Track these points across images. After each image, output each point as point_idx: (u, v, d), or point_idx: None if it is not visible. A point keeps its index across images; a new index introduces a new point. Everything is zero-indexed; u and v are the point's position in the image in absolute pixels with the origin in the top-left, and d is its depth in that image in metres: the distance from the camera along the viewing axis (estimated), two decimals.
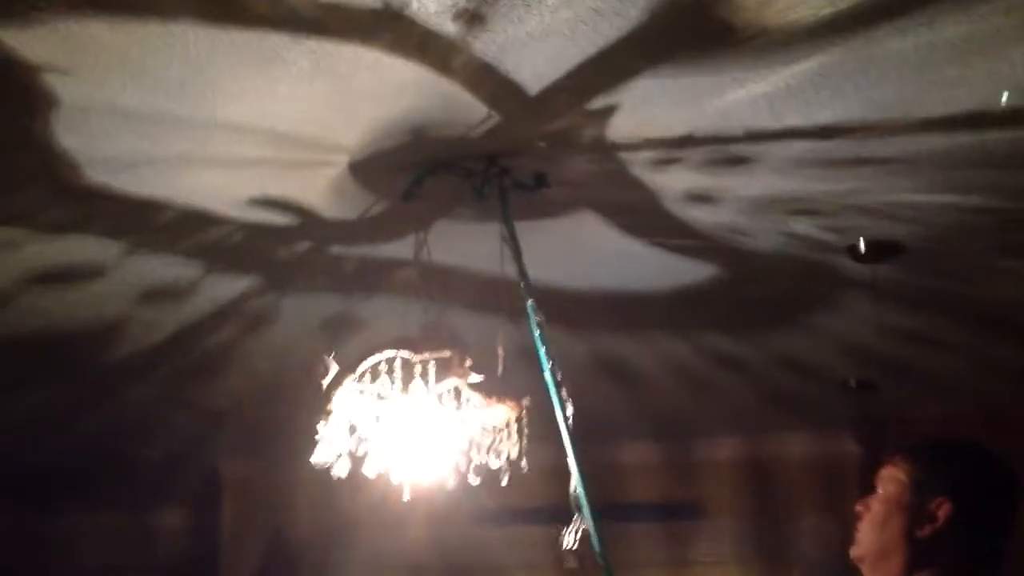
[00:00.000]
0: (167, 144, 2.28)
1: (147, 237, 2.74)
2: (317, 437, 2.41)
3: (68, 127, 2.17)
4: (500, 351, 2.41)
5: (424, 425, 2.39)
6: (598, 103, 2.15)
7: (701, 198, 2.59)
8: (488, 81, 2.06)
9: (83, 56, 1.91)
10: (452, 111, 2.18)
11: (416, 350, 2.37)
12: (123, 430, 4.53)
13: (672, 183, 2.52)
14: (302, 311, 3.28)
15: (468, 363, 2.38)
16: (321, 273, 3.06)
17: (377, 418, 2.41)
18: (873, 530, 2.06)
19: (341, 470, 2.41)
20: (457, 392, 2.39)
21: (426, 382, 2.34)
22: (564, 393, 2.42)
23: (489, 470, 2.45)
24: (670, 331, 3.61)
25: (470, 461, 2.45)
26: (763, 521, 4.83)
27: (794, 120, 2.21)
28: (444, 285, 2.91)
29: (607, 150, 2.36)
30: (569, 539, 2.39)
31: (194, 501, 5.50)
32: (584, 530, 2.36)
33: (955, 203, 2.59)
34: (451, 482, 2.47)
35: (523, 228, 2.51)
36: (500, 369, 2.41)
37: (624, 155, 2.39)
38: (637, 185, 2.52)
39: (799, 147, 2.33)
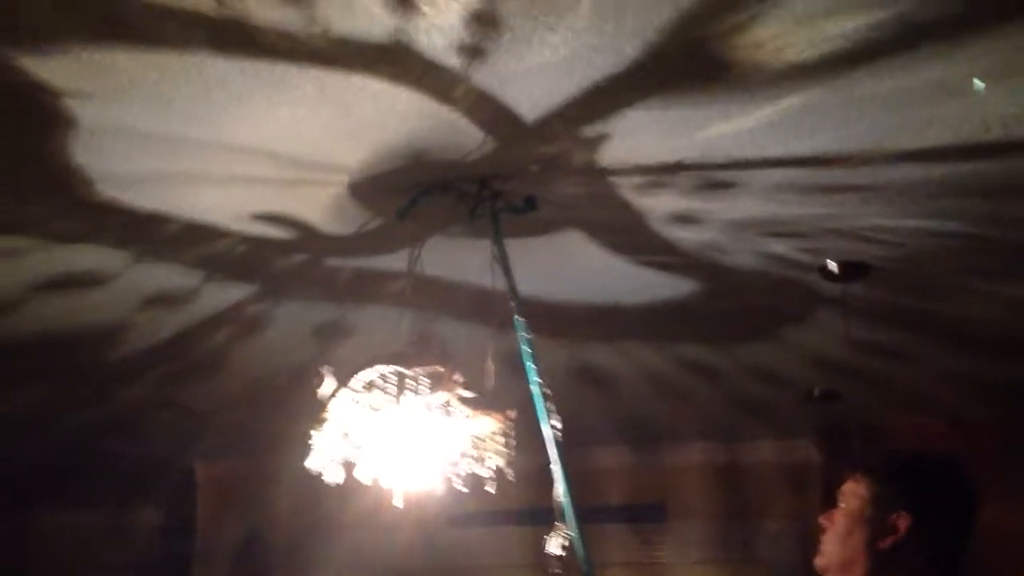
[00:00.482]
0: (175, 162, 2.35)
1: (151, 248, 2.81)
2: (311, 444, 2.48)
3: (84, 146, 2.25)
4: (490, 365, 2.50)
5: (415, 435, 2.46)
6: (590, 131, 2.24)
7: (685, 219, 2.69)
8: (486, 109, 2.14)
9: (102, 81, 2.00)
10: (450, 136, 2.26)
11: (409, 364, 2.45)
12: (106, 430, 4.56)
13: (658, 205, 2.62)
14: (295, 318, 3.34)
15: (458, 377, 2.46)
16: (316, 283, 3.12)
17: (370, 427, 2.49)
18: (837, 542, 2.19)
19: (334, 476, 2.47)
20: (447, 404, 2.47)
21: (418, 394, 2.42)
22: (551, 406, 2.51)
23: (476, 478, 2.55)
24: (647, 341, 3.69)
25: (458, 470, 2.53)
26: (729, 524, 4.94)
27: (776, 151, 2.31)
28: (436, 296, 2.99)
29: (597, 174, 2.45)
30: (553, 545, 2.49)
31: (170, 500, 5.53)
32: (568, 537, 2.45)
33: (924, 228, 2.70)
34: (440, 490, 2.56)
35: (513, 244, 2.61)
36: (490, 382, 2.51)
37: (613, 179, 2.48)
38: (624, 206, 2.62)
39: (779, 175, 2.44)
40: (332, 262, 2.98)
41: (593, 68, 1.98)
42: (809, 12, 1.81)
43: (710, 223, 2.71)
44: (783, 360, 3.77)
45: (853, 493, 2.21)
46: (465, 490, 2.52)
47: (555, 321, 3.40)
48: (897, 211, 2.61)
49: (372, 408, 2.45)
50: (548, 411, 2.50)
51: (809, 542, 2.23)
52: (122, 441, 4.73)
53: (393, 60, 1.95)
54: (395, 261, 2.87)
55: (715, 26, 1.85)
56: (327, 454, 2.48)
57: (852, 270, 2.95)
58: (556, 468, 2.49)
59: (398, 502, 2.51)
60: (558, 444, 2.50)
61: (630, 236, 2.81)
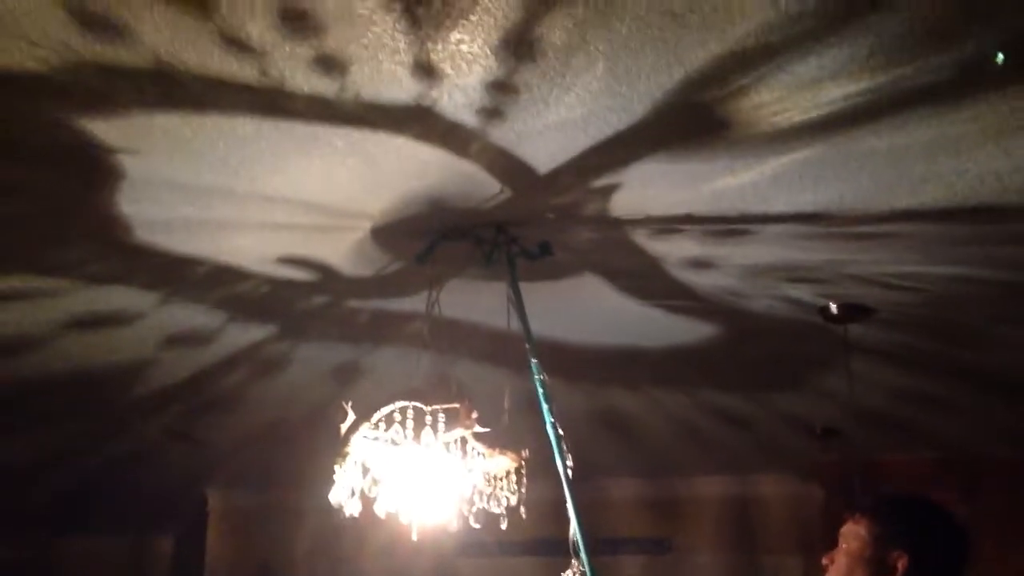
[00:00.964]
0: (209, 210, 2.46)
1: (179, 289, 2.91)
2: (333, 478, 2.56)
3: (128, 196, 2.38)
4: (506, 404, 2.58)
5: (432, 471, 2.55)
6: (603, 182, 2.34)
7: (700, 264, 2.77)
8: (504, 163, 2.25)
9: (149, 140, 2.13)
10: (468, 186, 2.36)
11: (427, 402, 2.52)
12: (126, 461, 4.64)
13: (672, 251, 2.70)
14: (314, 359, 3.43)
15: (474, 415, 2.53)
16: (335, 324, 3.21)
17: (389, 462, 2.57)
18: None
19: (353, 509, 2.54)
20: (463, 442, 2.55)
21: (435, 431, 2.49)
22: (565, 446, 2.58)
23: (489, 513, 2.63)
24: (663, 384, 3.76)
25: (473, 506, 2.61)
26: (739, 557, 5.02)
27: (779, 204, 2.41)
28: (453, 338, 3.07)
29: (610, 222, 2.54)
30: None
31: (182, 530, 5.62)
32: (582, 573, 2.53)
33: (926, 273, 2.78)
34: (455, 525, 2.64)
35: (528, 288, 2.69)
36: (505, 420, 2.59)
37: (626, 227, 2.57)
38: (639, 252, 2.70)
39: (786, 224, 2.52)
40: (352, 304, 3.06)
41: (607, 125, 2.08)
42: (812, 76, 1.89)
43: (726, 268, 2.78)
44: (797, 399, 3.82)
45: (853, 534, 2.30)
46: (478, 526, 2.60)
47: (570, 364, 3.46)
48: (897, 257, 2.68)
49: (392, 443, 2.53)
50: (563, 452, 2.56)
51: (814, 572, 2.31)
52: (140, 472, 4.81)
53: (417, 120, 2.05)
54: (413, 303, 2.95)
55: (722, 88, 1.94)
56: (348, 487, 2.56)
57: (852, 311, 3.02)
58: (570, 506, 2.56)
59: (414, 535, 2.58)
60: (571, 484, 2.56)
61: (646, 281, 2.88)
